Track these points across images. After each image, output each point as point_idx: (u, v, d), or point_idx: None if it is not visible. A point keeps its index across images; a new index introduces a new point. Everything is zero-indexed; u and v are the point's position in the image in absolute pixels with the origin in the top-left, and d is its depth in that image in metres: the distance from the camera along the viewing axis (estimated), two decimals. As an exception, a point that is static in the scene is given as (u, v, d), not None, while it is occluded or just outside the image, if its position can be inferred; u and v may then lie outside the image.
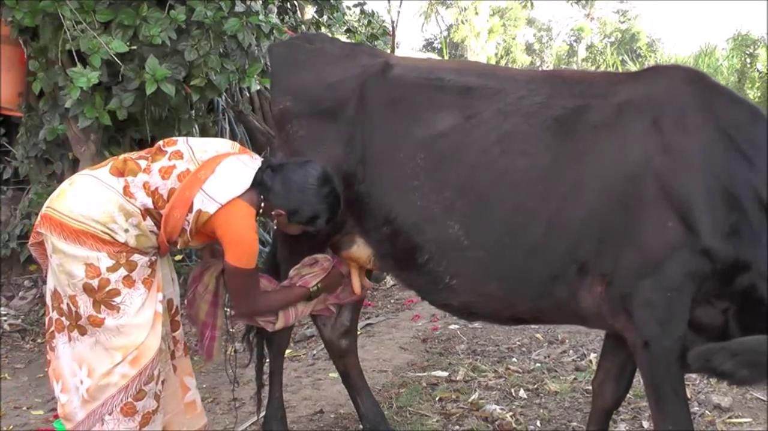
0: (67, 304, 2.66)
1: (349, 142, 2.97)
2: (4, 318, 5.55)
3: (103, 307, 2.63)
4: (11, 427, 3.94)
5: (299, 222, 2.79)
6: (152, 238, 2.70)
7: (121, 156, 2.79)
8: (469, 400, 4.06)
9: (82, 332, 2.66)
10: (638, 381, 3.94)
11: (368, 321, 5.74)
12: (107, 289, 2.62)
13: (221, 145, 2.85)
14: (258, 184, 2.72)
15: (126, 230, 2.64)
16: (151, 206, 2.66)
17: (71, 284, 2.63)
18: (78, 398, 2.69)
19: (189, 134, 5.53)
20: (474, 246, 2.73)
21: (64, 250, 2.62)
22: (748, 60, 13.27)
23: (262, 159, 2.84)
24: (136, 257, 2.67)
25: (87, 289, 2.62)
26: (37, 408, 4.15)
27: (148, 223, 2.67)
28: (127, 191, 2.66)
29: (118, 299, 2.64)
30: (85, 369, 2.67)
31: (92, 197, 2.64)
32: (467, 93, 2.86)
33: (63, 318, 2.70)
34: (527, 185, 2.66)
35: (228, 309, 3.07)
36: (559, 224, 2.61)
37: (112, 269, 2.63)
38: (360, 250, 3.08)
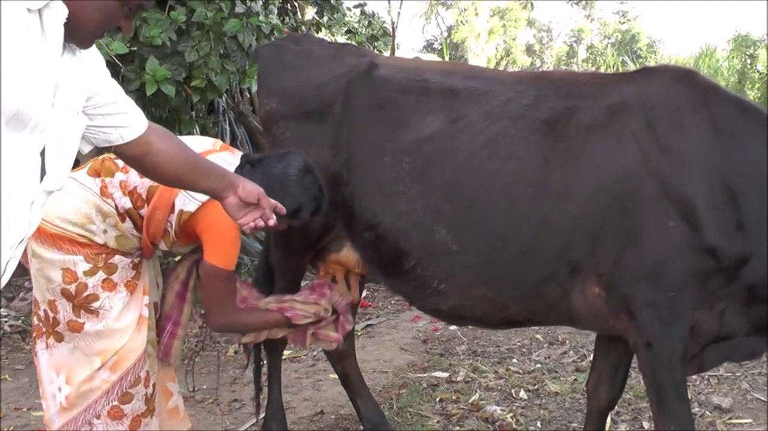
0: (44, 310, 2.61)
1: (336, 143, 2.93)
2: (5, 319, 5.54)
3: (82, 312, 2.58)
4: (11, 428, 3.93)
5: (283, 216, 2.74)
6: (134, 240, 2.64)
7: (101, 156, 2.71)
8: (470, 401, 4.06)
9: (59, 339, 2.60)
10: (638, 381, 3.96)
11: (369, 322, 5.75)
12: (85, 294, 2.57)
13: (202, 143, 2.80)
14: None
15: (105, 231, 2.59)
16: (129, 205, 2.60)
17: (50, 289, 2.59)
18: (55, 406, 2.63)
19: (189, 134, 5.53)
20: (463, 250, 2.70)
21: (41, 255, 2.58)
22: (749, 61, 13.25)
23: (242, 155, 2.75)
24: (116, 258, 2.62)
25: (65, 294, 2.57)
26: (38, 409, 4.13)
27: (128, 225, 2.61)
28: (104, 192, 2.60)
29: (96, 304, 2.58)
30: (63, 377, 2.61)
31: (68, 199, 2.58)
32: (453, 95, 2.82)
33: (41, 324, 2.65)
34: (517, 187, 2.63)
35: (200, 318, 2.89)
36: (551, 225, 2.59)
37: (89, 273, 2.57)
38: (349, 253, 3.05)
